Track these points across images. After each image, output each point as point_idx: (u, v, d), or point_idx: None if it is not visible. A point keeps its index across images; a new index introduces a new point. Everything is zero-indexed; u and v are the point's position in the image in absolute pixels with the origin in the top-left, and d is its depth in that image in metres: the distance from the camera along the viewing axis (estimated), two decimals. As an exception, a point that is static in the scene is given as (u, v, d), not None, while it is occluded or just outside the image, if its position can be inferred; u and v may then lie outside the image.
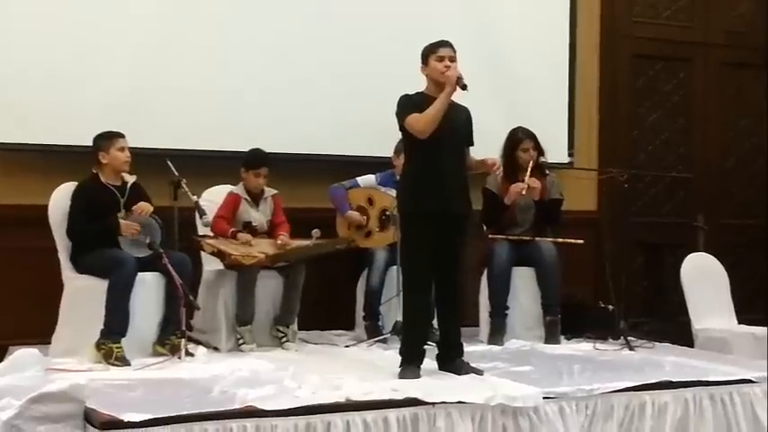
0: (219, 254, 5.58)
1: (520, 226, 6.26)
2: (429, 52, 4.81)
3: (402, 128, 4.78)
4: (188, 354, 5.16)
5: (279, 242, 5.71)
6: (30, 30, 5.89)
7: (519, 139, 6.23)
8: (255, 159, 5.84)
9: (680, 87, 8.16)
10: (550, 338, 6.05)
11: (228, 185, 6.00)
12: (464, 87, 4.66)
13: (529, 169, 6.11)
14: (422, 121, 4.67)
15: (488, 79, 6.65)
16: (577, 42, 7.47)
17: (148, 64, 6.14)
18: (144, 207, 5.40)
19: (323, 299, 6.30)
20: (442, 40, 4.82)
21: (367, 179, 6.31)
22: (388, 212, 6.12)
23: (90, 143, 5.52)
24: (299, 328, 5.90)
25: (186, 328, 5.22)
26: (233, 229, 5.71)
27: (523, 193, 6.04)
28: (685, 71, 8.17)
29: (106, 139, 5.46)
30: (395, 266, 5.80)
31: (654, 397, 4.61)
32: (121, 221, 5.30)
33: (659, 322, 6.97)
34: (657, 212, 8.02)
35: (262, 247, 5.63)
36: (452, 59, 4.76)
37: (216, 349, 5.55)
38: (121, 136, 5.48)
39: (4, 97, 5.85)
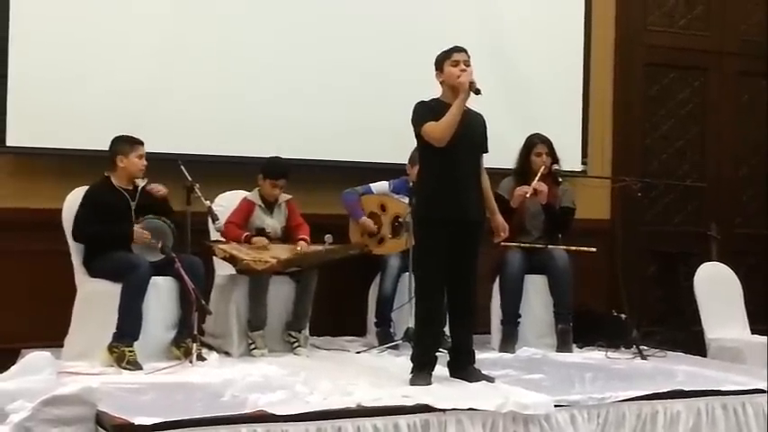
0: (231, 259, 5.58)
1: (529, 233, 6.25)
2: (443, 58, 4.82)
3: (418, 135, 4.78)
4: (200, 358, 5.16)
5: (298, 248, 5.70)
6: (43, 35, 5.91)
7: (533, 144, 6.26)
8: (275, 170, 5.83)
9: (694, 96, 8.13)
10: (562, 346, 6.03)
11: (242, 191, 6.01)
12: (477, 92, 4.67)
13: (539, 174, 6.12)
14: (438, 129, 4.67)
15: (501, 87, 6.64)
16: (591, 50, 7.46)
17: (161, 68, 6.16)
18: (156, 188, 5.46)
19: (335, 305, 6.30)
20: (456, 46, 4.84)
21: (380, 186, 6.31)
22: (401, 219, 6.12)
23: (103, 147, 5.55)
24: (311, 334, 5.90)
25: (198, 333, 5.23)
26: (246, 234, 5.71)
27: (528, 195, 6.04)
28: (700, 80, 8.14)
29: (128, 143, 5.48)
30: (407, 273, 5.79)
31: (666, 406, 4.60)
32: (135, 228, 5.32)
33: (672, 331, 6.95)
34: (671, 221, 8.00)
35: (274, 252, 5.64)
36: (467, 64, 4.77)
37: (227, 354, 5.55)
38: (142, 144, 5.51)
39: (18, 102, 5.86)
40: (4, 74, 5.84)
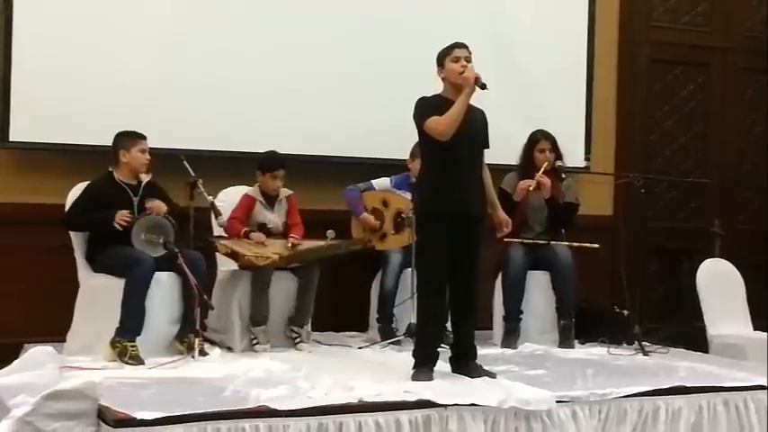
0: (233, 254, 5.58)
1: (532, 228, 6.25)
2: (444, 55, 4.82)
3: (421, 131, 4.78)
4: (202, 353, 5.17)
5: (288, 244, 5.71)
6: (46, 30, 5.92)
7: (536, 139, 6.26)
8: (272, 162, 5.84)
9: (698, 92, 8.13)
10: (564, 342, 6.04)
11: (244, 186, 6.01)
12: (483, 87, 4.66)
13: (542, 169, 6.12)
14: (443, 124, 4.66)
15: (505, 83, 6.60)
16: (595, 46, 7.46)
17: (164, 64, 6.17)
18: (157, 206, 5.40)
19: (337, 300, 6.30)
20: (457, 42, 4.83)
21: (382, 182, 6.31)
22: (403, 215, 6.12)
23: (106, 143, 5.56)
24: (313, 329, 5.92)
25: (201, 328, 5.23)
26: (246, 229, 5.72)
27: (531, 189, 6.04)
28: (703, 76, 8.14)
29: (129, 138, 5.49)
30: (409, 268, 5.80)
31: (668, 402, 4.60)
32: (119, 212, 5.27)
33: (674, 328, 6.94)
34: (674, 218, 7.99)
35: (276, 248, 5.64)
36: (468, 60, 4.76)
37: (230, 349, 5.56)
38: (144, 138, 5.51)
39: (21, 97, 5.87)
40: (8, 69, 5.85)
